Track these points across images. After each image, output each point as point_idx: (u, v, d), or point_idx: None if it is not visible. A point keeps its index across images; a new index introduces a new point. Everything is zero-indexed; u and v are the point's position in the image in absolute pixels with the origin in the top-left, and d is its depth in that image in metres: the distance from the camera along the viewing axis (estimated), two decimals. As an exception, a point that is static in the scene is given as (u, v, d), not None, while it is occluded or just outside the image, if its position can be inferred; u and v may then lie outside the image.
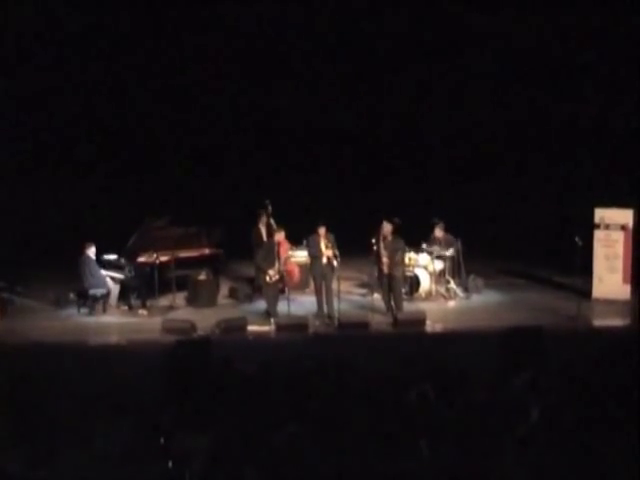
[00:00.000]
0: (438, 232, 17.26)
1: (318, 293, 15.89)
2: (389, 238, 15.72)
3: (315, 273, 15.90)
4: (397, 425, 7.95)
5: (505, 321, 14.29)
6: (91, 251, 16.07)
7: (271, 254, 15.73)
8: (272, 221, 17.38)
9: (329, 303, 15.69)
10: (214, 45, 23.28)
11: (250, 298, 17.22)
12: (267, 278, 15.62)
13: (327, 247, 15.52)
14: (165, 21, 22.91)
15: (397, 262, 15.83)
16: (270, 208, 17.51)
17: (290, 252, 16.70)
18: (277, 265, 15.62)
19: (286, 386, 9.12)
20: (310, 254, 15.99)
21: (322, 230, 15.62)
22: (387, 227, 15.71)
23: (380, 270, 15.82)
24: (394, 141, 24.05)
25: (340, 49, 23.67)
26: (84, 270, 15.92)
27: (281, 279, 15.80)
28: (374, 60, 23.80)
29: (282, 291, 16.06)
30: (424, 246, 17.13)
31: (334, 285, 15.61)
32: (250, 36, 23.40)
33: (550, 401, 8.40)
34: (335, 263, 15.45)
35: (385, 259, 15.66)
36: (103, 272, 16.22)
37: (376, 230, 15.80)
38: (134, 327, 15.38)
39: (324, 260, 15.57)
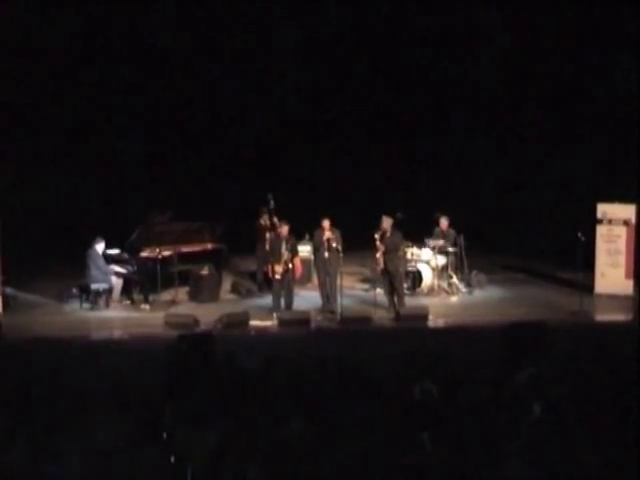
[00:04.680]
0: (443, 223, 17.25)
1: (321, 287, 15.92)
2: (388, 233, 15.68)
3: (318, 266, 15.93)
4: (399, 420, 7.95)
5: (507, 316, 14.30)
6: (99, 246, 16.11)
7: (278, 250, 15.68)
8: (275, 219, 17.32)
9: (332, 298, 15.70)
10: (215, 43, 23.25)
11: (255, 293, 17.24)
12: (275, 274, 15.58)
13: (330, 240, 15.50)
14: (164, 18, 22.90)
15: (399, 257, 15.86)
16: (272, 202, 17.48)
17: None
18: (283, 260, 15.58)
19: (288, 381, 9.13)
20: (314, 247, 16.02)
21: (326, 223, 15.61)
22: (387, 221, 15.68)
23: (384, 264, 15.79)
24: (396, 137, 24.00)
25: (344, 41, 23.66)
26: (90, 264, 15.94)
27: (287, 273, 15.68)
28: (375, 54, 23.77)
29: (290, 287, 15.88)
30: (428, 242, 17.12)
31: (338, 280, 15.61)
32: (249, 29, 23.39)
33: (552, 396, 8.40)
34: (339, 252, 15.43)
35: (379, 254, 15.63)
36: (110, 267, 16.25)
37: (378, 225, 15.79)
38: (136, 322, 15.40)
39: (326, 255, 15.57)
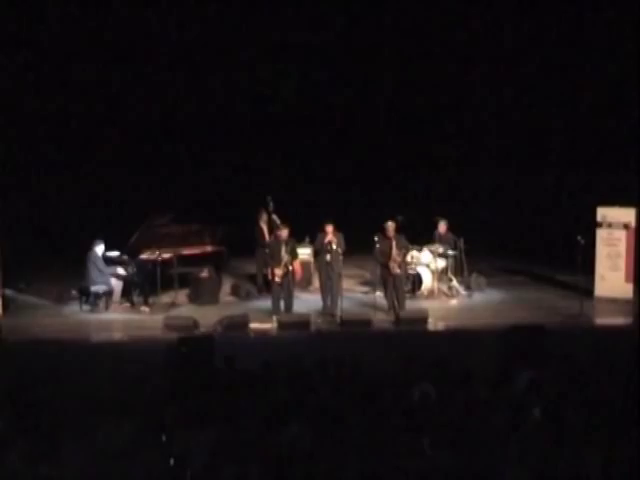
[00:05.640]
0: (442, 227, 17.27)
1: (323, 289, 15.94)
2: (394, 237, 15.73)
3: (321, 269, 15.96)
4: (399, 424, 7.95)
5: (507, 319, 14.29)
6: (99, 248, 16.10)
7: (277, 252, 15.69)
8: (275, 217, 17.33)
9: (333, 301, 15.71)
10: (214, 45, 23.28)
11: (255, 295, 17.25)
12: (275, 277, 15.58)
13: (332, 243, 15.53)
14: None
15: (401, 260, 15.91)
16: (272, 205, 17.49)
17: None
18: (283, 263, 15.58)
19: (288, 384, 9.13)
20: (315, 250, 16.04)
21: (329, 228, 15.64)
22: (390, 225, 15.73)
23: (385, 268, 15.82)
24: (397, 139, 24.02)
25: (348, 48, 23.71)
26: (89, 266, 15.93)
27: (286, 276, 15.68)
28: (380, 53, 23.81)
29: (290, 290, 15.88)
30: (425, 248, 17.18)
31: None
32: (249, 33, 23.43)
33: (551, 399, 8.40)
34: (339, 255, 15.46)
35: (398, 258, 15.68)
36: (110, 269, 16.25)
37: (380, 228, 15.82)
38: (136, 324, 15.40)
39: (327, 257, 15.60)
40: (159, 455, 7.37)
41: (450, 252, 17.13)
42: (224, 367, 10.03)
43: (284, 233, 15.82)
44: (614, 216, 16.83)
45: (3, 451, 7.39)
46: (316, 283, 17.01)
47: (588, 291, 16.56)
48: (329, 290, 15.84)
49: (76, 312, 16.10)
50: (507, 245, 20.44)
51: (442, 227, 17.31)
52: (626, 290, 16.73)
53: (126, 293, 16.61)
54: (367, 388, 8.99)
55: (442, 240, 17.24)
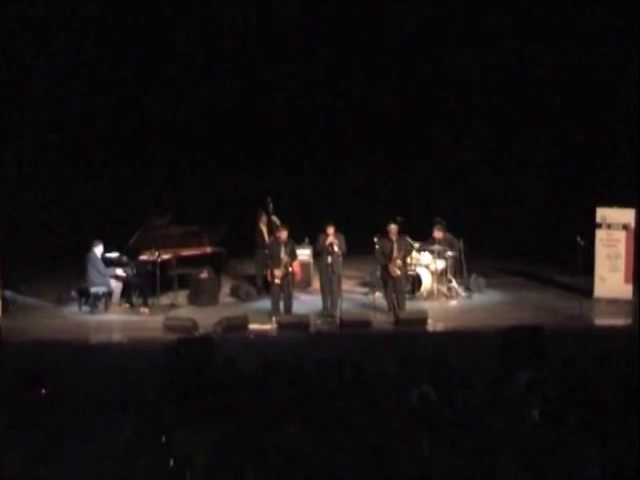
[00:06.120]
0: (437, 233, 17.25)
1: (323, 291, 15.94)
2: (395, 238, 15.73)
3: (321, 271, 15.98)
4: (398, 424, 7.95)
5: (506, 320, 14.28)
6: (98, 249, 16.10)
7: (277, 254, 15.70)
8: (275, 218, 17.33)
9: (333, 302, 15.72)
10: (214, 47, 23.29)
11: (255, 296, 17.24)
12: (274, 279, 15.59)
13: (334, 244, 15.54)
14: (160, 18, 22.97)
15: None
16: (271, 206, 17.49)
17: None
18: (282, 264, 15.59)
19: (287, 385, 9.13)
20: (316, 251, 16.05)
21: (331, 229, 15.65)
22: (393, 228, 15.71)
23: (385, 269, 15.81)
24: (394, 142, 24.03)
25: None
26: (89, 268, 15.93)
27: (286, 277, 15.69)
28: (380, 57, 23.84)
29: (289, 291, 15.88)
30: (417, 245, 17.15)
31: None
32: (248, 33, 23.44)
33: (551, 401, 8.40)
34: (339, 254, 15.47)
35: (399, 261, 15.68)
36: (110, 270, 16.25)
37: (382, 230, 15.81)
38: (136, 325, 15.40)
39: (329, 259, 15.60)
40: (159, 456, 7.38)
41: (449, 253, 17.12)
42: (224, 367, 10.02)
43: (283, 234, 15.82)
44: (613, 217, 16.83)
45: (3, 452, 7.39)
46: (316, 284, 17.01)
47: (587, 292, 16.58)
48: (329, 291, 15.84)
49: (76, 313, 16.10)
50: (506, 246, 20.43)
51: (437, 231, 17.23)
52: (625, 291, 16.73)
53: (125, 294, 16.61)
54: (366, 389, 8.98)
55: (438, 243, 17.20)
